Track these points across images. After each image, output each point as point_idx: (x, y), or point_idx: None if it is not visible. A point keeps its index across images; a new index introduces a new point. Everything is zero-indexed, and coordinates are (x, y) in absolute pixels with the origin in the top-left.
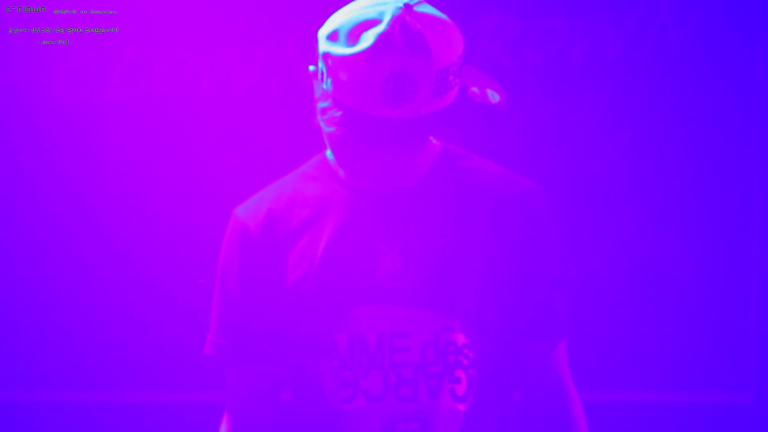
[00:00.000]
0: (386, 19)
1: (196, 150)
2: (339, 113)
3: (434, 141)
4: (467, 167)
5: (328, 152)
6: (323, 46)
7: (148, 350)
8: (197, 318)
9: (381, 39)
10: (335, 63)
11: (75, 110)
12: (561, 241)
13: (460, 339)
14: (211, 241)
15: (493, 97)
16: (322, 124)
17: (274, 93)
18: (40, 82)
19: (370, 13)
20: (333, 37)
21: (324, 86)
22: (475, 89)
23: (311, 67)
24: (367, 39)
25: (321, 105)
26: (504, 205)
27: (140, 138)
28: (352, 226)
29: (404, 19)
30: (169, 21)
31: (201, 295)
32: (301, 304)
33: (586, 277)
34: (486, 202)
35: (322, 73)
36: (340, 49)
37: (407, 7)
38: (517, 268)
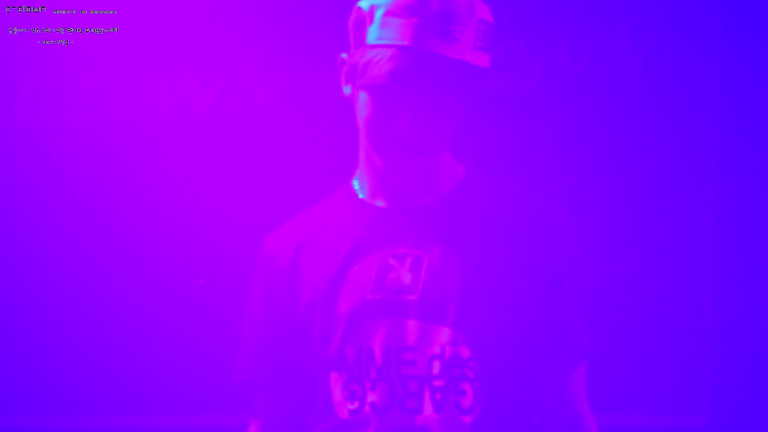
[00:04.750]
0: None
1: (170, 167)
2: (388, 52)
3: (458, 164)
4: (492, 188)
5: (355, 182)
6: None
7: (145, 373)
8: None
9: None
10: (387, 7)
11: (34, 133)
12: (584, 264)
13: (465, 352)
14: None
15: None
16: (360, 94)
17: (233, 115)
18: None
19: None
20: None
21: (368, 39)
22: None
23: (343, 55)
24: None
25: (364, 59)
26: (527, 225)
27: (105, 160)
28: (365, 241)
29: None
30: (140, 37)
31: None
32: (314, 319)
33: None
34: (508, 220)
35: (365, 27)
36: None
37: None
38: (536, 289)
